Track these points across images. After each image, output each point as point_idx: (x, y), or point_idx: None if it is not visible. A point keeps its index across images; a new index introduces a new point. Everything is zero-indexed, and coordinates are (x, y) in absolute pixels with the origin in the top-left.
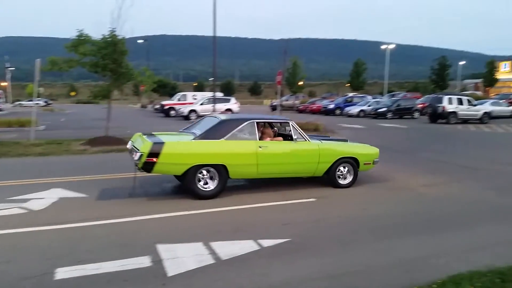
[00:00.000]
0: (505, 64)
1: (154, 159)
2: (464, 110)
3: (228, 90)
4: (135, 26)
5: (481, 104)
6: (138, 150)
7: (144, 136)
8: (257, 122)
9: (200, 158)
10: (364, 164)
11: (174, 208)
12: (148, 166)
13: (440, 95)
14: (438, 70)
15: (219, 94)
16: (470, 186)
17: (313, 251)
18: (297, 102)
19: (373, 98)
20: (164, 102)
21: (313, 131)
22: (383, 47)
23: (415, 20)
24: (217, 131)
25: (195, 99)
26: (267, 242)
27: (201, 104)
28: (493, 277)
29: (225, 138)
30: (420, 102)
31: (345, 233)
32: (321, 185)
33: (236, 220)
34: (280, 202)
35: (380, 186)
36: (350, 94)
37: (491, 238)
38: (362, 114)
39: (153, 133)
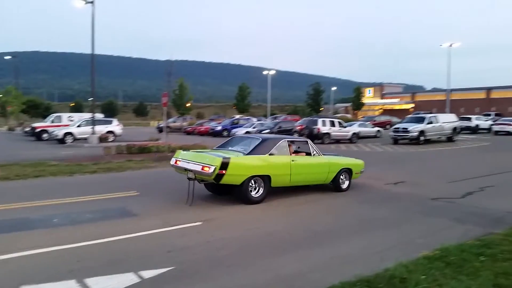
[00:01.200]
0: (369, 90)
1: (224, 171)
2: (336, 131)
3: (111, 111)
4: (1, 42)
5: (350, 125)
6: (207, 164)
7: (202, 152)
8: (288, 140)
9: (255, 170)
10: (355, 173)
11: (40, 244)
12: (218, 178)
13: (315, 118)
14: (313, 95)
15: (99, 116)
16: (346, 201)
17: (197, 277)
18: (184, 124)
19: (258, 120)
20: (35, 125)
21: None
22: (265, 72)
23: (293, 48)
24: (262, 148)
25: (71, 120)
26: (148, 273)
27: (78, 126)
28: (362, 285)
29: (268, 153)
30: (298, 124)
31: (230, 255)
32: (208, 207)
33: (112, 252)
34: (162, 229)
35: (262, 206)
36: (237, 116)
37: (362, 249)
38: None
39: (191, 150)
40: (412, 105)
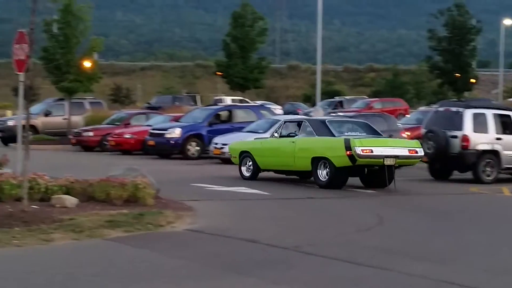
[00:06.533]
0: None
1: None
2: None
3: None
4: None
5: None
6: (413, 147)
7: (368, 138)
8: None
9: None
10: None
11: None
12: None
13: (458, 110)
14: (452, 36)
15: None
16: None
17: None
18: (80, 121)
19: (286, 113)
20: None
21: None
22: None
23: None
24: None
25: None
26: None
27: None
28: None
29: None
30: (409, 123)
31: None
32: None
33: None
34: None
35: None
36: (226, 101)
37: None
38: None
39: (359, 138)
40: None
